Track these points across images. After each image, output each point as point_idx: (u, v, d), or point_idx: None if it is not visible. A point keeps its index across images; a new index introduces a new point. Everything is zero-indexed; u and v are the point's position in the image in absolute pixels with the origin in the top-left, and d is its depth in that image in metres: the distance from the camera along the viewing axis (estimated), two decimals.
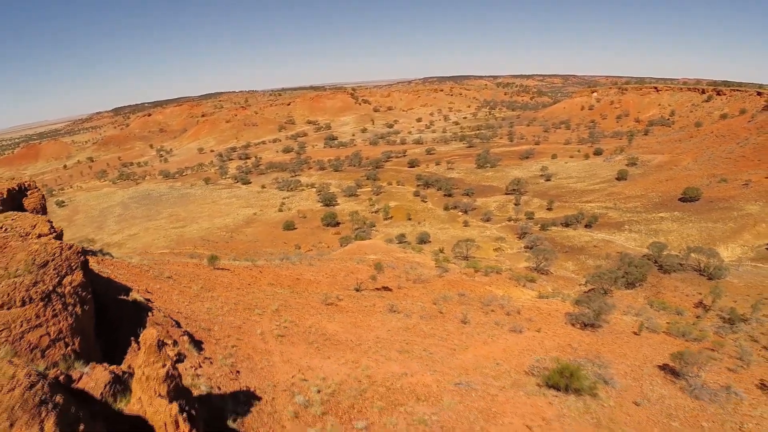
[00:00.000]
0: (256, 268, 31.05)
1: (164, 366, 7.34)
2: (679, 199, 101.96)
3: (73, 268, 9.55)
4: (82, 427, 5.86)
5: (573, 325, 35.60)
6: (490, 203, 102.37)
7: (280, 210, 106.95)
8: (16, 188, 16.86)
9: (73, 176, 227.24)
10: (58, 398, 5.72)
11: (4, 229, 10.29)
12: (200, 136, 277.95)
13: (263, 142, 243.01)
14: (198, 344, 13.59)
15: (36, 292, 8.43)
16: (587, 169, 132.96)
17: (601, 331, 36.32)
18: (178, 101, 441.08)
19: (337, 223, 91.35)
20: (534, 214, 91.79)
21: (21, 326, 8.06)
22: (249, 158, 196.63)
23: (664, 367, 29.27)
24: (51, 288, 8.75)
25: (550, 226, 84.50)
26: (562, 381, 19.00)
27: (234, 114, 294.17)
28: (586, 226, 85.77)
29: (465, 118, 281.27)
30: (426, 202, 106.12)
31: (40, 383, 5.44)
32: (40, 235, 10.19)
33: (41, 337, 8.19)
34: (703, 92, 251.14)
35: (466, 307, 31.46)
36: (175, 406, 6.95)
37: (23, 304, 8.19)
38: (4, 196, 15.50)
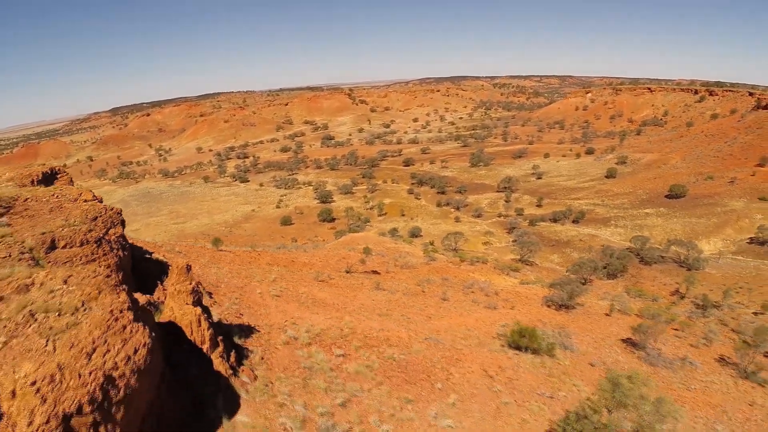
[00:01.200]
0: (255, 252, 33.86)
1: (191, 283, 10.10)
2: (666, 196, 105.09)
3: (115, 223, 12.31)
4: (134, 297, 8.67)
5: (548, 306, 38.48)
6: (482, 200, 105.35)
7: (278, 207, 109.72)
8: (49, 171, 19.74)
9: (73, 175, 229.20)
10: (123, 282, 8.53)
11: (56, 196, 13.06)
12: (199, 135, 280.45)
13: (261, 142, 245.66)
14: (209, 294, 16.40)
15: (90, 237, 11.15)
16: (578, 167, 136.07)
17: (574, 312, 39.23)
18: (176, 101, 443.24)
19: (333, 219, 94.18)
20: (524, 211, 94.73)
21: (81, 260, 10.78)
22: (247, 157, 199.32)
23: (626, 341, 32.16)
24: (101, 235, 11.50)
25: (538, 222, 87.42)
26: (522, 341, 21.84)
27: (232, 114, 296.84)
28: (573, 222, 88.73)
29: (461, 118, 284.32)
30: (419, 199, 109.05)
31: (109, 270, 8.23)
32: (86, 200, 12.94)
33: (95, 268, 10.91)
34: (696, 93, 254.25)
35: (447, 288, 34.32)
36: (198, 309, 9.72)
37: (82, 244, 10.90)
38: (40, 178, 18.37)
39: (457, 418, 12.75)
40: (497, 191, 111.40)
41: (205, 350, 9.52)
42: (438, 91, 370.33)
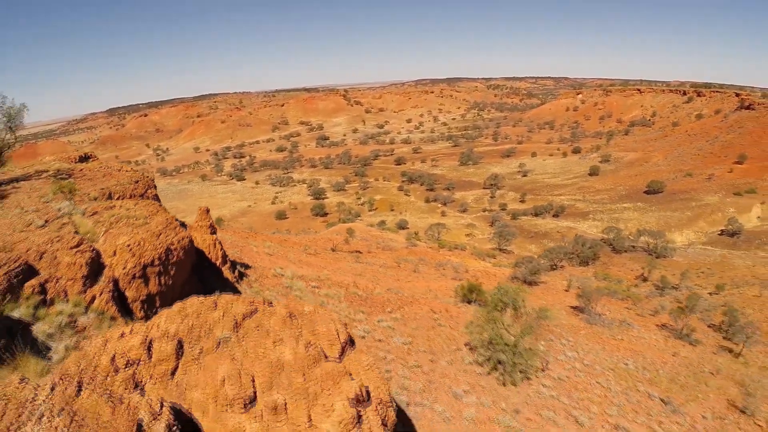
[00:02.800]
0: (252, 232, 38.45)
1: (209, 221, 14.70)
2: (644, 192, 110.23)
3: (151, 186, 16.84)
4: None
5: (513, 282, 43.22)
6: (468, 197, 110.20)
7: (273, 203, 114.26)
8: (84, 155, 24.46)
9: None
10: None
11: (104, 167, 17.60)
12: (196, 135, 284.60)
13: (257, 142, 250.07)
14: None
15: (135, 192, 15.65)
16: (563, 165, 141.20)
17: (536, 287, 44.06)
18: (173, 102, 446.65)
19: (326, 214, 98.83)
20: (507, 206, 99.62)
21: (128, 210, 15.32)
22: (243, 157, 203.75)
23: (574, 308, 36.94)
24: (143, 192, 16.02)
25: (520, 216, 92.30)
26: (471, 296, 26.50)
27: (229, 115, 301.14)
28: (554, 216, 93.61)
29: (454, 119, 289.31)
30: (409, 195, 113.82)
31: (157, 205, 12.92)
32: (127, 171, 17.50)
33: (147, 203, 15.49)
34: (685, 94, 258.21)
35: (421, 265, 39.00)
36: (215, 236, 14.31)
37: (131, 197, 15.45)
38: (78, 160, 23.06)
39: (395, 324, 17.32)
40: (484, 188, 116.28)
41: (218, 264, 14.02)
42: (432, 92, 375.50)
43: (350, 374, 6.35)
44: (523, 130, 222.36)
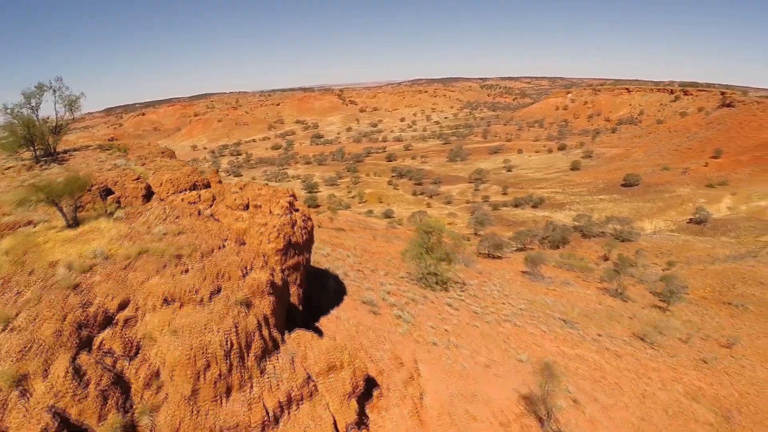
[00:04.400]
0: None
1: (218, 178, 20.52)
2: (621, 185, 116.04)
3: (174, 156, 22.44)
4: None
5: (477, 255, 48.87)
6: (454, 190, 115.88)
7: None
8: (111, 138, 29.96)
9: None
10: None
11: (136, 143, 23.14)
12: (193, 134, 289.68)
13: (253, 140, 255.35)
14: None
15: (163, 157, 21.31)
16: (546, 161, 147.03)
17: (498, 261, 49.62)
18: (170, 102, 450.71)
19: (317, 206, 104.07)
20: (490, 198, 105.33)
21: (165, 162, 20.90)
22: (240, 154, 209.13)
23: (524, 272, 42.51)
24: (169, 156, 21.68)
25: (501, 207, 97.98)
26: (429, 237, 32.03)
27: (226, 114, 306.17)
28: (533, 207, 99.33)
29: (446, 118, 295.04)
30: (397, 189, 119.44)
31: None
32: (153, 146, 23.16)
33: None
34: (672, 93, 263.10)
35: (395, 239, 44.54)
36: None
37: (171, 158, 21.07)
38: (109, 140, 28.47)
39: (353, 255, 22.90)
40: (469, 182, 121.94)
41: None
42: (426, 92, 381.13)
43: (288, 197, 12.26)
44: (512, 129, 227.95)
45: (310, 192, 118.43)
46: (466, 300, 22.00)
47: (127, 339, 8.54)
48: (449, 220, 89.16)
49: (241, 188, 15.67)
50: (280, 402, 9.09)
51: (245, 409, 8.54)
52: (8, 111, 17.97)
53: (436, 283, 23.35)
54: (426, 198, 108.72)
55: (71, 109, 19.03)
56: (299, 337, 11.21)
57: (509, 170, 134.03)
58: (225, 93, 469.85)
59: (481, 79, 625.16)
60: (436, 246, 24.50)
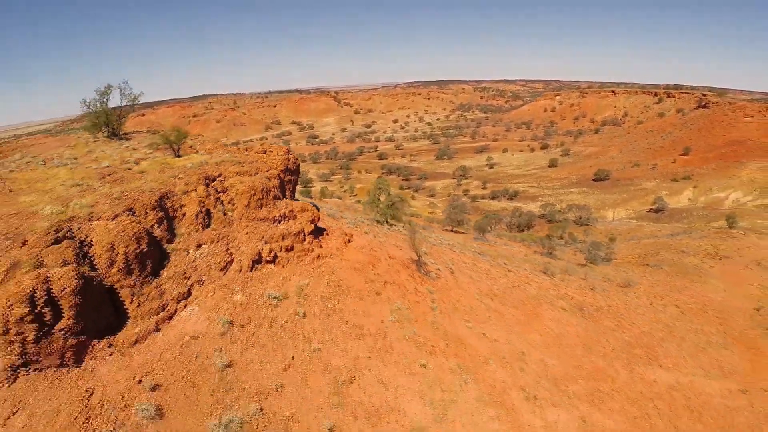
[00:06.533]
0: None
1: None
2: (592, 180, 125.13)
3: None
4: None
5: (444, 230, 57.83)
6: (438, 185, 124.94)
7: None
8: (148, 128, 39.25)
9: None
10: None
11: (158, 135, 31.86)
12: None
13: (251, 140, 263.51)
14: None
15: None
16: (528, 159, 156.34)
17: (459, 234, 58.57)
18: (169, 103, 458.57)
19: (311, 197, 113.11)
20: (469, 191, 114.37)
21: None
22: None
23: (474, 238, 51.47)
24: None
25: (479, 199, 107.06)
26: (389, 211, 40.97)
27: (224, 115, 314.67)
28: (508, 199, 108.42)
29: (438, 119, 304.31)
30: None
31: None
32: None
33: None
34: (656, 95, 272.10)
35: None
36: None
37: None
38: (150, 128, 37.45)
39: (325, 207, 32.00)
40: (452, 178, 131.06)
41: None
42: (419, 94, 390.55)
43: (285, 148, 21.34)
44: (500, 130, 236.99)
45: (304, 186, 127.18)
46: (405, 233, 30.99)
47: (222, 186, 18.58)
48: (430, 210, 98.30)
49: (264, 149, 25.07)
50: (282, 214, 18.79)
51: (266, 213, 18.19)
52: (87, 104, 26.82)
53: (388, 221, 32.17)
54: (412, 192, 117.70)
55: (132, 104, 27.85)
56: (291, 201, 20.68)
57: (491, 167, 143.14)
58: (223, 94, 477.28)
59: (476, 81, 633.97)
60: (385, 194, 33.46)
